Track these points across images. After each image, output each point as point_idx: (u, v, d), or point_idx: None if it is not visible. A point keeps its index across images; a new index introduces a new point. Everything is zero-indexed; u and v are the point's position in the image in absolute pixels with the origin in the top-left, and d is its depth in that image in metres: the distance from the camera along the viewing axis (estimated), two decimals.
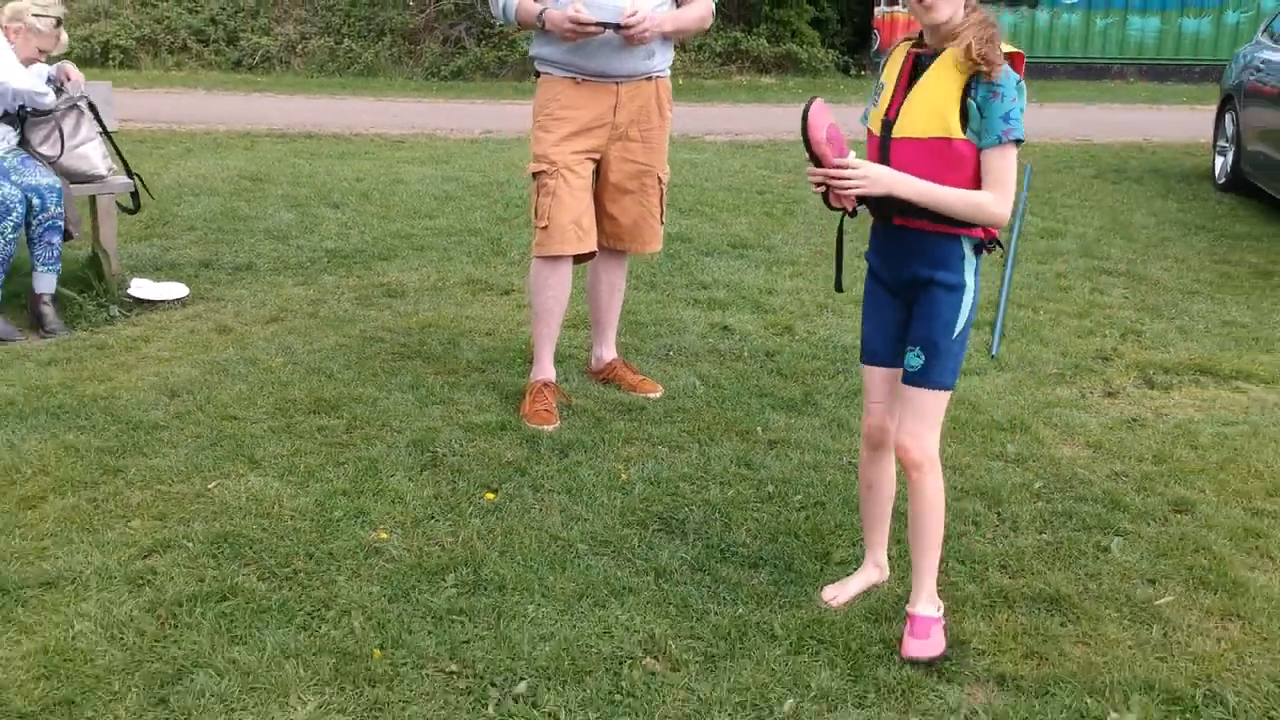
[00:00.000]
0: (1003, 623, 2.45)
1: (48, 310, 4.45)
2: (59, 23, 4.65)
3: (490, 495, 2.99)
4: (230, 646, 2.30)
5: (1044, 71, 16.04)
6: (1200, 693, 2.21)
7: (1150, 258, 5.88)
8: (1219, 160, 8.17)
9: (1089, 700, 2.17)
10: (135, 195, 4.94)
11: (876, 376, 2.46)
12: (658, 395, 3.72)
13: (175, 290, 4.83)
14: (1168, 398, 3.89)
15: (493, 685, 2.20)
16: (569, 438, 3.35)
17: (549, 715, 2.12)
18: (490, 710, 2.13)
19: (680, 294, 4.95)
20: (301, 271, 5.21)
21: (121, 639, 2.32)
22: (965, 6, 2.21)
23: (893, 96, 2.28)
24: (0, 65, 4.40)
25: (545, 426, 3.41)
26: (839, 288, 2.50)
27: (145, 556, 2.66)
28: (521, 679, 2.22)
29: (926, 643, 2.35)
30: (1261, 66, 7.55)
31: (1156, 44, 16.26)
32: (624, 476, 3.11)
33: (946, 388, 2.34)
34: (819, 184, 2.25)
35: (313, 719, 2.10)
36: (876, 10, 15.65)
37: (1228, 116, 8.07)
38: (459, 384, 3.79)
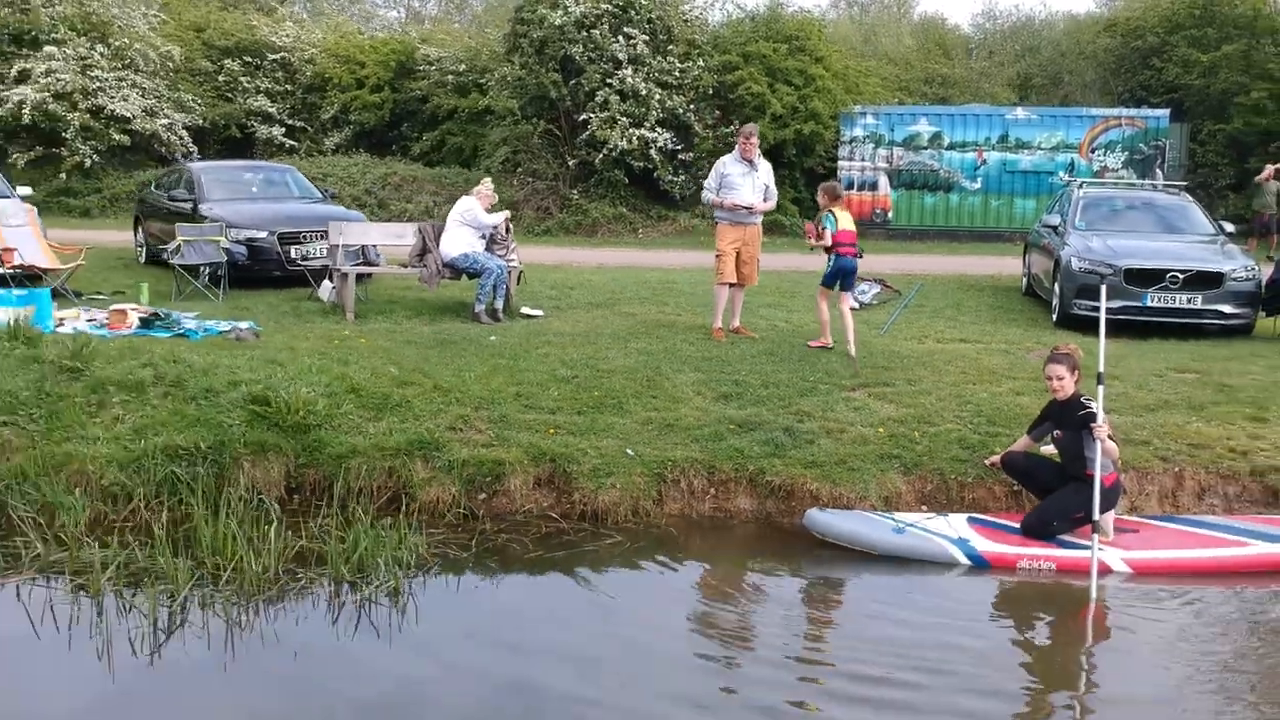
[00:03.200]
0: (865, 368, 8.97)
1: (501, 316, 10.96)
2: (493, 191, 11.33)
3: (709, 345, 9.53)
4: (664, 372, 8.80)
5: (955, 236, 23.07)
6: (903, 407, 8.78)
7: (964, 314, 12.50)
8: (1024, 280, 14.94)
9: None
10: (521, 274, 11.56)
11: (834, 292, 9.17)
12: (756, 336, 10.27)
13: (540, 312, 11.37)
14: (943, 345, 10.45)
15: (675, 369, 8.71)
16: (729, 342, 9.90)
17: (687, 385, 8.59)
18: (705, 406, 8.62)
19: (754, 318, 11.52)
20: (584, 308, 11.79)
21: (631, 365, 8.82)
22: (830, 199, 9.05)
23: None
24: (484, 217, 11.09)
25: (719, 340, 9.95)
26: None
27: (609, 355, 9.16)
28: (688, 367, 8.73)
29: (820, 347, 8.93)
30: (1036, 230, 14.42)
31: (1034, 217, 23.27)
32: (747, 348, 9.65)
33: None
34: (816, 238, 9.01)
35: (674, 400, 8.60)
36: None
37: (1027, 256, 14.91)
38: (681, 332, 10.33)
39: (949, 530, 6.55)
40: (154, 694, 5.02)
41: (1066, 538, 6.47)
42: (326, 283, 11.33)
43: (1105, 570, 6.24)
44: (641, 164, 22.19)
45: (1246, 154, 23.26)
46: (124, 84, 24.03)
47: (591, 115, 21.92)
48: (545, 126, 22.94)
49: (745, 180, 10.08)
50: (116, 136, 23.62)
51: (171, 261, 11.90)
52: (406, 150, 26.74)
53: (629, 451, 7.16)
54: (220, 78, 27.12)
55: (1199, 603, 6.05)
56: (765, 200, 10.27)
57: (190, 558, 5.92)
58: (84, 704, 4.91)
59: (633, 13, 22.43)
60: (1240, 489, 7.16)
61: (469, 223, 11.14)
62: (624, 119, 21.84)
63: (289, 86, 27.72)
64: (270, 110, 27.00)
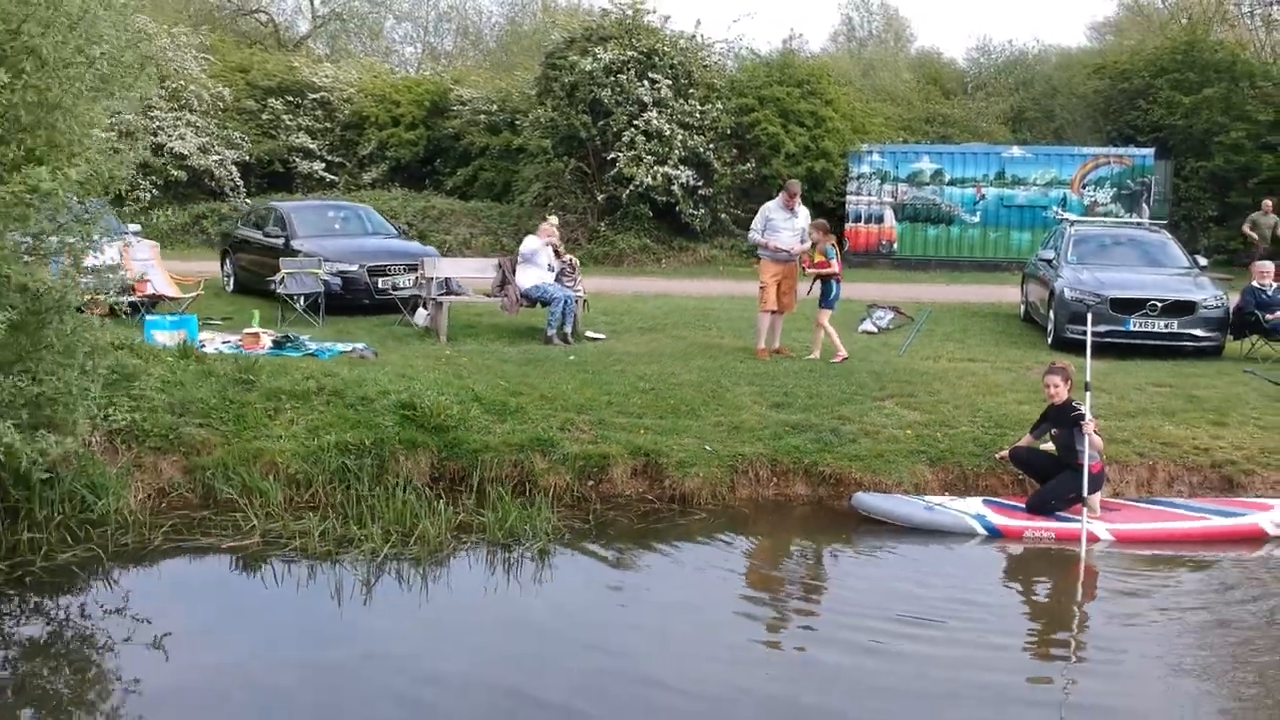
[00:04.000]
0: (892, 382, 10.64)
1: (570, 338, 12.62)
2: (556, 226, 13.02)
3: (757, 363, 11.20)
4: (724, 385, 10.47)
5: (956, 266, 24.73)
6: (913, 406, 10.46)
7: (971, 337, 14.17)
8: (1021, 307, 16.64)
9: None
10: (586, 302, 13.24)
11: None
12: (795, 356, 11.95)
13: (602, 335, 13.03)
14: (954, 364, 12.12)
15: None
16: (773, 361, 11.56)
17: (745, 395, 10.26)
18: (763, 413, 10.30)
19: (789, 340, 13.18)
20: (639, 332, 13.45)
21: (696, 380, 10.49)
22: (824, 234, 10.81)
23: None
24: (545, 252, 12.78)
25: (764, 359, 11.63)
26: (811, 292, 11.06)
27: (675, 371, 10.83)
28: (743, 381, 10.40)
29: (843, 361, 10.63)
30: (1030, 262, 16.14)
31: (1030, 248, 24.95)
32: (789, 365, 11.32)
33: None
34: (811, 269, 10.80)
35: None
36: (846, 226, 24.50)
37: (1024, 286, 16.61)
38: (729, 353, 12.00)
39: (969, 508, 8.22)
40: (372, 624, 6.65)
41: (1063, 513, 8.14)
42: (421, 310, 13.00)
43: (1094, 539, 7.90)
44: (665, 199, 23.94)
45: (1227, 189, 25.05)
46: (180, 123, 25.77)
47: (619, 154, 23.65)
48: (575, 164, 24.69)
49: (787, 225, 11.79)
50: (174, 172, 25.32)
51: (277, 291, 13.55)
52: (440, 185, 28.48)
53: (707, 447, 8.82)
54: (264, 116, 28.84)
55: (1165, 564, 7.73)
56: (801, 242, 11.98)
57: (377, 527, 7.56)
58: (322, 629, 6.55)
59: (657, 59, 24.21)
60: (1202, 478, 8.85)
61: (529, 258, 12.83)
62: (649, 157, 23.56)
63: (328, 124, 29.41)
64: (311, 146, 28.69)
